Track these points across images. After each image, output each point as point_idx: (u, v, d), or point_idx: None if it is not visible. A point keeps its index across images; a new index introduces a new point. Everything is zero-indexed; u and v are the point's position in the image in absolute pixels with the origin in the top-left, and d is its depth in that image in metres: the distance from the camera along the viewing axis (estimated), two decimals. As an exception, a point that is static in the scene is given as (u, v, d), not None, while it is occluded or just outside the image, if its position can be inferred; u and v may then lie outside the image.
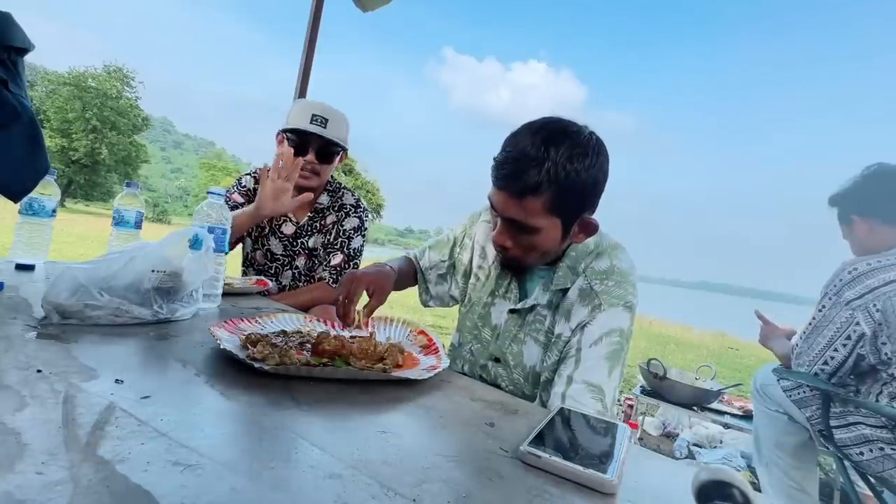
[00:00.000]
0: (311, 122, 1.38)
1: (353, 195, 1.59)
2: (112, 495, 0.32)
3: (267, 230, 1.52)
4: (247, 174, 1.54)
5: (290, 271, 1.54)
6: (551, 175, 0.75)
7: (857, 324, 1.19)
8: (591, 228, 0.85)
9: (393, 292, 1.03)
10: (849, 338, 1.20)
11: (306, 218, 1.53)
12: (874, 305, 1.17)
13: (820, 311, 1.29)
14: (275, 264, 1.53)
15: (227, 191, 1.48)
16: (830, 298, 1.26)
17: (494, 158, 0.82)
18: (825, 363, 1.24)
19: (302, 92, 2.30)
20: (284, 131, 1.43)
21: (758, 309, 1.79)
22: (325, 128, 1.40)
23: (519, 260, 0.90)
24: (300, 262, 1.54)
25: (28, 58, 0.79)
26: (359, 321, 0.88)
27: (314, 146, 1.41)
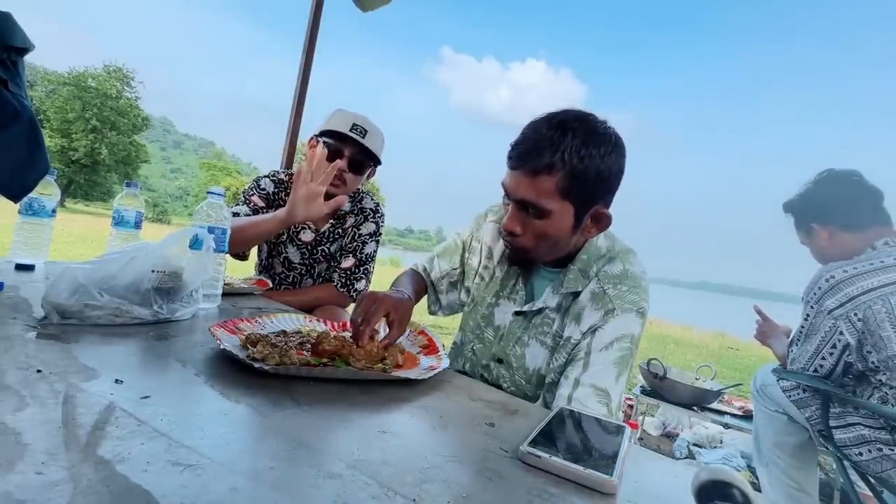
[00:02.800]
0: (350, 130, 1.37)
1: (372, 199, 1.58)
2: (112, 495, 0.32)
3: (284, 237, 1.50)
4: (265, 177, 1.50)
5: (310, 279, 1.53)
6: (566, 157, 0.76)
7: (841, 333, 1.18)
8: (605, 222, 0.84)
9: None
10: (834, 347, 1.20)
11: (328, 225, 1.51)
12: (855, 315, 1.17)
13: (806, 319, 1.29)
14: (292, 273, 1.52)
15: (245, 192, 1.46)
16: (812, 307, 1.26)
17: (511, 143, 0.83)
18: (815, 371, 1.24)
19: (302, 92, 2.30)
20: (321, 134, 1.41)
21: (757, 304, 1.79)
22: (363, 138, 1.39)
23: (528, 250, 0.87)
24: (321, 268, 1.53)
25: (28, 58, 0.79)
26: (374, 348, 0.76)
27: (349, 153, 1.39)
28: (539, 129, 0.79)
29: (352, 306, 1.52)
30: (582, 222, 0.83)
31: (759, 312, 1.72)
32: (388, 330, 0.82)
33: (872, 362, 1.16)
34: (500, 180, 0.86)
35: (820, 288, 1.25)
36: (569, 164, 0.76)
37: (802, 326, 1.30)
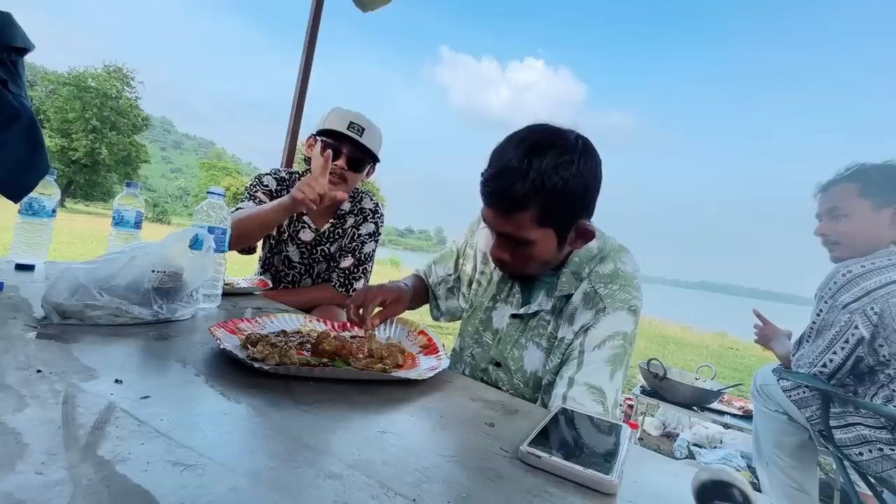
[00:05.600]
0: (347, 129, 1.37)
1: (371, 200, 1.58)
2: (112, 495, 0.32)
3: (286, 236, 1.50)
4: (266, 174, 1.51)
5: (309, 279, 1.54)
6: (537, 186, 0.74)
7: (856, 327, 1.18)
8: (589, 235, 0.85)
9: None
10: (847, 341, 1.19)
11: (328, 225, 1.51)
12: (872, 308, 1.16)
13: (818, 315, 1.28)
14: (292, 272, 1.53)
15: (249, 188, 1.46)
16: (826, 302, 1.25)
17: (482, 174, 0.82)
18: (824, 366, 1.24)
19: (302, 92, 2.30)
20: (319, 133, 1.41)
21: (756, 308, 1.77)
22: (360, 136, 1.39)
23: (519, 272, 0.91)
24: (320, 268, 1.53)
25: (28, 58, 0.80)
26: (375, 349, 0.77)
27: (347, 151, 1.39)
28: (507, 159, 0.77)
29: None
30: (566, 240, 0.84)
31: (759, 316, 1.71)
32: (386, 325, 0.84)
33: (883, 356, 1.15)
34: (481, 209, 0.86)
35: (836, 283, 1.24)
36: (541, 194, 0.75)
37: (814, 323, 1.29)
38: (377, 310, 0.91)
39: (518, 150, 0.76)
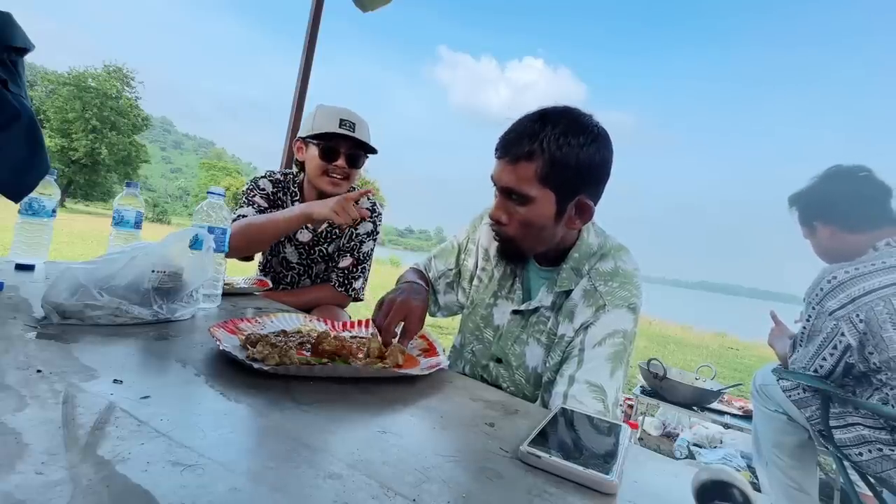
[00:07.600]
0: (340, 127, 1.37)
1: (369, 199, 1.58)
2: (112, 495, 0.32)
3: (283, 237, 1.50)
4: (262, 177, 1.49)
5: (307, 279, 1.53)
6: (545, 145, 0.80)
7: (843, 335, 1.18)
8: (588, 213, 0.86)
9: None
10: (835, 348, 1.20)
11: (325, 225, 1.51)
12: (857, 316, 1.16)
13: (807, 320, 1.28)
14: (290, 273, 1.52)
15: (246, 193, 1.45)
16: (814, 308, 1.26)
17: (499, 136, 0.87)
18: (816, 371, 1.24)
19: (302, 92, 2.30)
20: (312, 137, 1.39)
21: (773, 310, 1.78)
22: (354, 132, 1.39)
23: (515, 240, 0.88)
24: (319, 268, 1.53)
25: (28, 58, 0.80)
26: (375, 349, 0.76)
27: (344, 150, 1.39)
28: (523, 121, 0.84)
29: (350, 306, 1.53)
30: (565, 211, 0.85)
31: (774, 318, 1.72)
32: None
33: (874, 363, 1.16)
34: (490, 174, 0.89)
35: (822, 289, 1.25)
36: (548, 152, 0.80)
37: (804, 328, 1.30)
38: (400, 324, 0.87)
39: (535, 116, 0.84)
